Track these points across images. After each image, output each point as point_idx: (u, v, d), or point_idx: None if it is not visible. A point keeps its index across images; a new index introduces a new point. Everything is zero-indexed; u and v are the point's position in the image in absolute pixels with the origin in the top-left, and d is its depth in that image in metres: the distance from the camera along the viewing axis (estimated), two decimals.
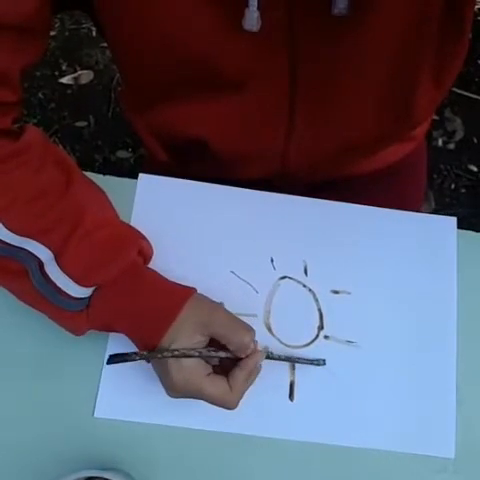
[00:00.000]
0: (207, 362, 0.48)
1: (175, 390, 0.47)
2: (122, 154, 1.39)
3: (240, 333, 0.48)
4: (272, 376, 0.54)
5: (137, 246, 0.51)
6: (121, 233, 0.51)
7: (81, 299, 0.49)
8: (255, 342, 0.49)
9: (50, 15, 0.48)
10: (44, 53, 0.51)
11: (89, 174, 0.55)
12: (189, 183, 0.61)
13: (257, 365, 0.49)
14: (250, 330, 0.49)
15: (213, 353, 0.48)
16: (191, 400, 0.48)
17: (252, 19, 0.44)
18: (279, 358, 0.52)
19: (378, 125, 0.58)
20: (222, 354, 0.48)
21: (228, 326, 0.48)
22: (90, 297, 0.49)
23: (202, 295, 0.50)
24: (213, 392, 0.47)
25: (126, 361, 0.47)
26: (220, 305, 0.51)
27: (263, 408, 0.54)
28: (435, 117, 1.42)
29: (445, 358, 0.56)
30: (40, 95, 1.43)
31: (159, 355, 0.46)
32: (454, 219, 0.61)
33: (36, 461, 0.51)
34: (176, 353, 0.46)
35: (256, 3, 0.43)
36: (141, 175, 0.61)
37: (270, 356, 0.52)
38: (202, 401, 0.47)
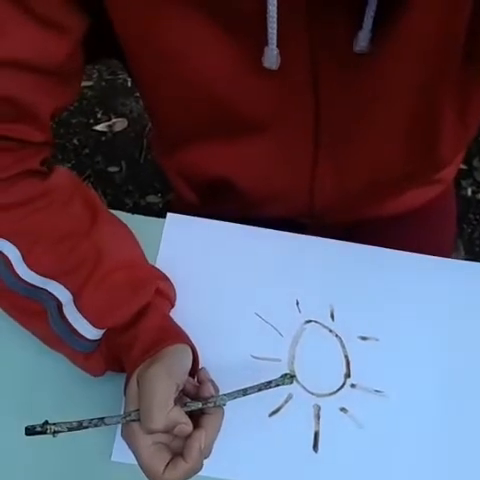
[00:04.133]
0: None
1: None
2: (151, 199, 1.42)
3: (151, 419, 0.41)
4: (296, 426, 0.52)
5: (154, 288, 0.50)
6: (138, 275, 0.51)
7: (94, 341, 0.49)
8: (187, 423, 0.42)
9: (82, 63, 0.49)
10: (75, 100, 0.52)
11: (118, 213, 0.55)
12: (216, 223, 0.61)
13: (201, 449, 0.42)
14: (162, 424, 0.41)
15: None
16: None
17: (272, 57, 0.44)
18: (234, 396, 0.45)
19: (403, 163, 0.57)
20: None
21: (143, 405, 0.42)
22: (101, 338, 0.49)
23: (175, 358, 0.45)
24: (146, 467, 0.42)
25: (44, 433, 0.42)
26: (170, 378, 0.43)
27: (286, 459, 0.51)
28: (463, 166, 1.41)
29: None
30: (75, 141, 1.48)
31: (79, 427, 0.42)
32: None
33: None
34: (95, 421, 0.43)
35: (275, 41, 0.43)
36: (169, 214, 0.61)
37: (219, 403, 0.44)
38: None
